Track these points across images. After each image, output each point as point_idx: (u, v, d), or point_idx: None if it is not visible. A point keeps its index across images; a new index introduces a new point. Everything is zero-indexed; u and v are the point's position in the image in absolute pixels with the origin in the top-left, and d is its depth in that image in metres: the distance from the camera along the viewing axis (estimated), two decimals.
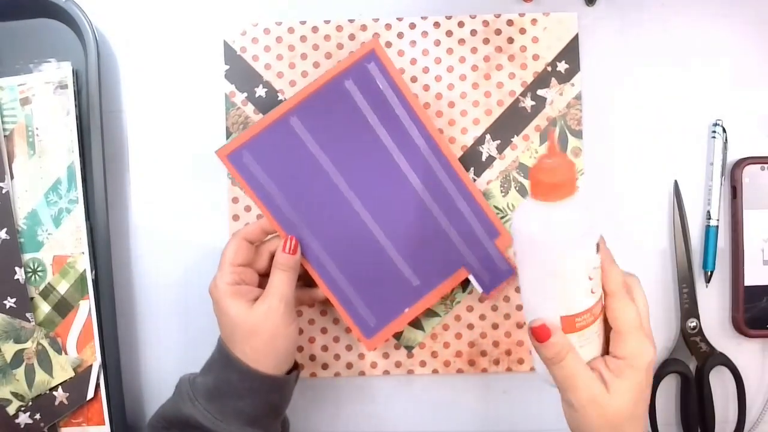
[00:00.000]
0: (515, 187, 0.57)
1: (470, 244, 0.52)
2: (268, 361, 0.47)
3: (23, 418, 0.55)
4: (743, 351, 0.58)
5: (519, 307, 0.57)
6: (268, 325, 0.46)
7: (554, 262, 0.37)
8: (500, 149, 0.57)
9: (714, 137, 0.57)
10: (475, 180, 0.57)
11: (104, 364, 0.55)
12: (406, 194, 0.51)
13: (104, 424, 0.55)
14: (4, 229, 0.54)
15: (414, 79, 0.57)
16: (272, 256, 0.50)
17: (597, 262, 0.39)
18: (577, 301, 0.38)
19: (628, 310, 0.40)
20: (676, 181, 0.58)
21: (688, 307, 0.57)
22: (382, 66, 0.49)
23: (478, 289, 0.53)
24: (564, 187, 0.36)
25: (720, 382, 0.58)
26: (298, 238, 0.50)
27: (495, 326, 0.57)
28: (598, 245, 0.38)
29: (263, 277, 0.50)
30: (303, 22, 0.58)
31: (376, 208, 0.51)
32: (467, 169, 0.57)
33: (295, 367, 0.51)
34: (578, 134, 0.57)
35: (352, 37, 0.57)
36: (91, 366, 0.55)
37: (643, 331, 0.40)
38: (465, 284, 0.57)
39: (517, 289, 0.57)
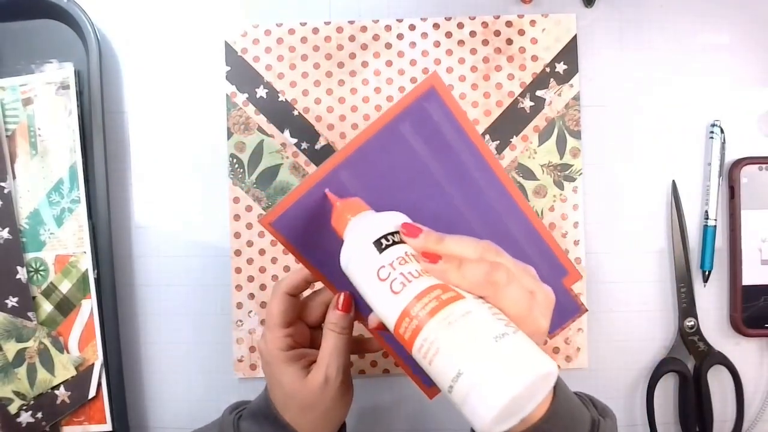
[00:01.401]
0: None
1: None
2: (319, 430, 0.43)
3: (25, 417, 0.55)
4: (741, 350, 0.58)
5: None
6: (325, 398, 0.42)
7: (359, 286, 0.36)
8: (499, 150, 0.58)
9: (712, 137, 0.58)
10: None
11: (106, 363, 0.55)
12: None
13: (106, 423, 0.56)
14: (7, 229, 0.55)
15: (414, 80, 0.58)
16: (324, 308, 0.45)
17: (387, 258, 0.34)
18: (382, 308, 0.34)
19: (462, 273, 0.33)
20: (674, 181, 0.58)
21: (686, 306, 0.58)
22: (442, 103, 0.43)
23: None
24: (338, 224, 0.38)
25: (718, 381, 0.58)
26: (351, 292, 0.44)
27: None
28: (381, 243, 0.35)
29: (315, 330, 0.46)
30: (303, 24, 0.58)
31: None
32: None
33: (342, 427, 0.47)
34: (577, 135, 0.58)
35: (352, 38, 0.58)
36: (92, 365, 0.55)
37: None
38: None
39: None
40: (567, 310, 0.48)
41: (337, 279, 0.44)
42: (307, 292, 0.46)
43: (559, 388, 0.37)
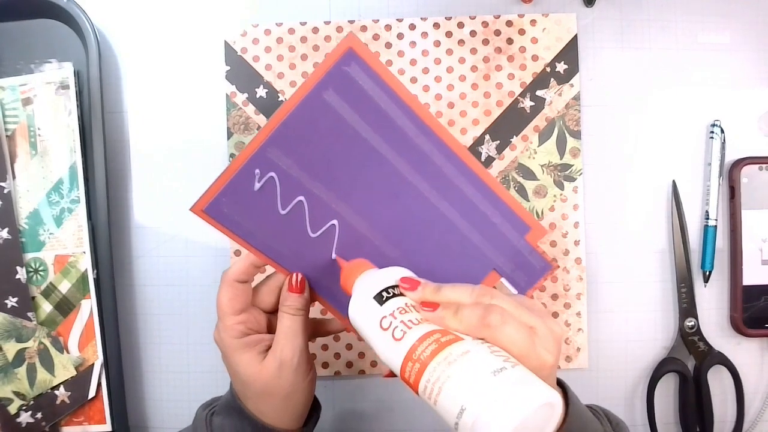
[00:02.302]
0: (514, 187, 0.58)
1: (498, 245, 0.46)
2: (285, 417, 0.43)
3: (25, 417, 0.55)
4: (741, 350, 0.58)
5: None
6: (282, 382, 0.42)
7: (367, 338, 0.38)
8: (499, 150, 0.58)
9: (712, 137, 0.58)
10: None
11: (106, 363, 0.55)
12: (416, 206, 0.45)
13: (105, 423, 0.56)
14: (6, 229, 0.55)
15: (414, 80, 0.58)
16: (279, 291, 0.44)
17: (388, 309, 0.36)
18: (387, 355, 0.36)
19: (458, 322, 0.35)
20: (674, 181, 0.58)
21: (687, 306, 0.58)
22: (364, 65, 0.41)
23: (513, 290, 0.48)
24: (346, 285, 0.41)
25: (718, 382, 0.58)
26: (303, 273, 0.44)
27: None
28: (382, 297, 0.37)
29: (272, 315, 0.45)
30: (303, 23, 0.58)
31: (384, 227, 0.45)
32: None
33: (315, 409, 0.47)
34: (577, 135, 0.58)
35: None
36: (92, 365, 0.55)
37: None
38: None
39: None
40: (536, 268, 0.47)
41: (286, 260, 0.44)
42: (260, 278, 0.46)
43: (572, 404, 0.36)
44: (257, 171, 0.42)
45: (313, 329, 0.47)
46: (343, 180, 0.43)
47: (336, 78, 0.41)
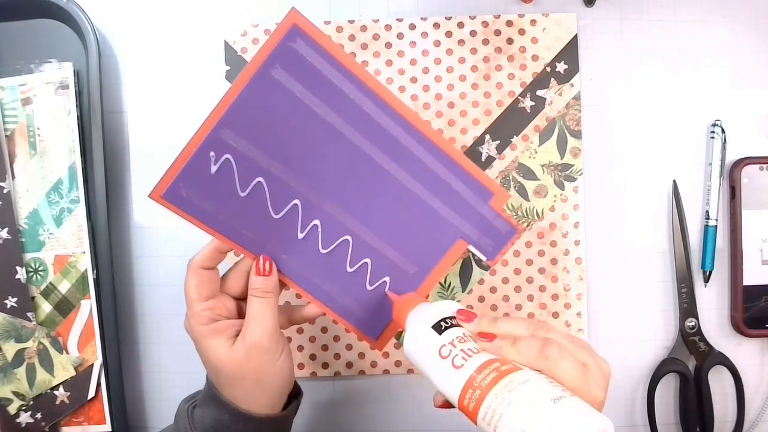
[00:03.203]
0: (515, 187, 0.58)
1: (463, 213, 0.46)
2: (260, 401, 0.42)
3: (24, 418, 0.55)
4: (742, 350, 0.58)
5: (518, 307, 0.58)
6: (253, 365, 0.41)
7: (423, 368, 0.39)
8: (500, 149, 0.58)
9: (713, 137, 0.58)
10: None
11: (105, 364, 0.55)
12: (377, 179, 0.44)
13: (105, 424, 0.56)
14: (6, 229, 0.55)
15: (414, 80, 0.58)
16: (247, 277, 0.44)
17: (447, 338, 0.37)
18: (445, 383, 0.37)
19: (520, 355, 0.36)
20: (674, 181, 0.58)
21: (687, 306, 0.57)
22: (309, 40, 0.40)
23: (482, 257, 0.47)
24: (399, 318, 0.43)
25: (719, 382, 0.58)
26: (270, 256, 0.44)
27: None
28: (440, 326, 0.38)
29: (243, 301, 0.45)
30: None
31: (347, 203, 0.45)
32: None
33: (296, 394, 0.46)
34: (577, 134, 0.58)
35: (352, 38, 0.58)
36: (92, 365, 0.55)
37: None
38: (464, 284, 0.57)
39: (516, 272, 0.58)
40: (502, 233, 0.47)
41: (252, 243, 0.44)
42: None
43: None
44: (212, 153, 0.41)
45: (288, 316, 0.47)
46: (300, 158, 0.43)
47: (282, 55, 0.40)
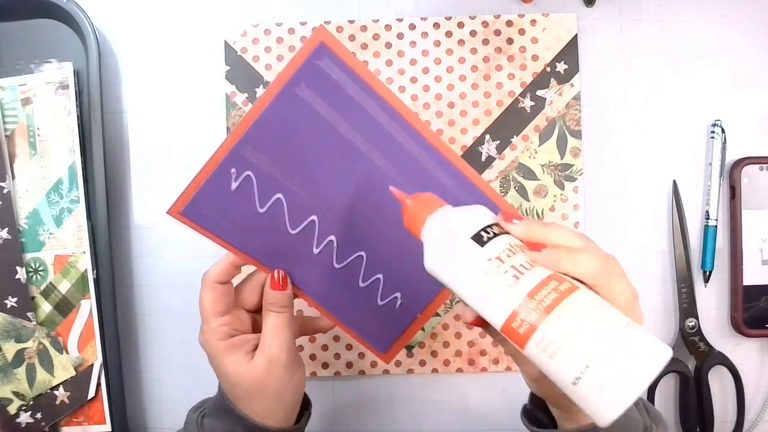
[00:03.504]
0: (515, 187, 0.58)
1: None
2: (276, 415, 0.42)
3: (24, 418, 0.55)
4: (742, 350, 0.58)
5: None
6: (272, 380, 0.41)
7: (455, 284, 0.34)
8: (500, 149, 0.58)
9: (713, 137, 0.58)
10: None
11: (105, 364, 0.55)
12: (393, 198, 0.43)
13: (105, 424, 0.56)
14: (6, 229, 0.55)
15: (414, 80, 0.58)
16: (261, 290, 0.44)
17: (492, 251, 0.33)
18: (489, 303, 0.33)
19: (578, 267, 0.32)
20: (674, 181, 0.58)
21: (687, 306, 0.57)
22: (336, 58, 0.40)
23: None
24: (413, 224, 0.37)
25: (719, 382, 0.58)
26: (285, 269, 0.44)
27: None
28: (482, 237, 0.33)
29: (257, 314, 0.45)
30: (303, 23, 0.58)
31: (364, 219, 0.45)
32: None
33: (306, 406, 0.46)
34: (577, 134, 0.58)
35: (352, 37, 0.58)
36: (92, 365, 0.55)
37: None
38: None
39: None
40: None
41: (267, 258, 0.44)
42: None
43: None
44: (233, 170, 0.41)
45: (300, 327, 0.47)
46: (320, 175, 0.43)
47: (308, 73, 0.40)
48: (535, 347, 0.30)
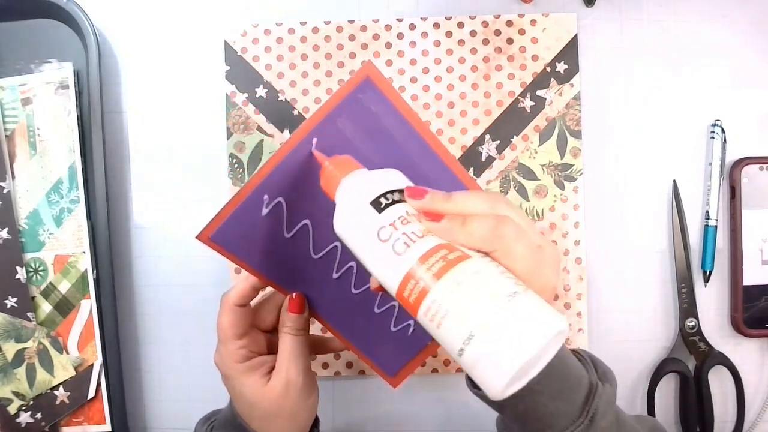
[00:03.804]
0: (515, 187, 0.58)
1: None
2: None
3: (24, 418, 0.55)
4: (742, 350, 0.58)
5: None
6: (288, 402, 0.41)
7: (356, 249, 0.34)
8: (500, 149, 0.58)
9: (713, 137, 0.58)
10: (475, 180, 0.57)
11: (105, 364, 0.55)
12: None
13: (105, 424, 0.56)
14: (6, 229, 0.55)
15: (414, 80, 0.58)
16: (277, 311, 0.44)
17: (387, 218, 0.33)
18: (382, 270, 0.32)
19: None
20: (674, 181, 0.58)
21: (687, 306, 0.57)
22: (379, 93, 0.40)
23: None
24: (328, 186, 0.37)
25: (719, 382, 0.58)
26: (303, 292, 0.44)
27: None
28: (380, 203, 0.33)
29: (272, 333, 0.45)
30: (303, 23, 0.58)
31: None
32: (467, 170, 0.58)
33: (315, 423, 0.47)
34: (577, 134, 0.58)
35: (352, 37, 0.58)
36: (92, 365, 0.55)
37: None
38: None
39: None
40: None
41: (286, 280, 0.44)
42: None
43: None
44: (266, 197, 0.41)
45: (312, 347, 0.47)
46: None
47: (351, 105, 0.40)
48: (423, 316, 0.30)
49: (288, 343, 0.42)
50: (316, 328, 0.49)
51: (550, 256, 0.32)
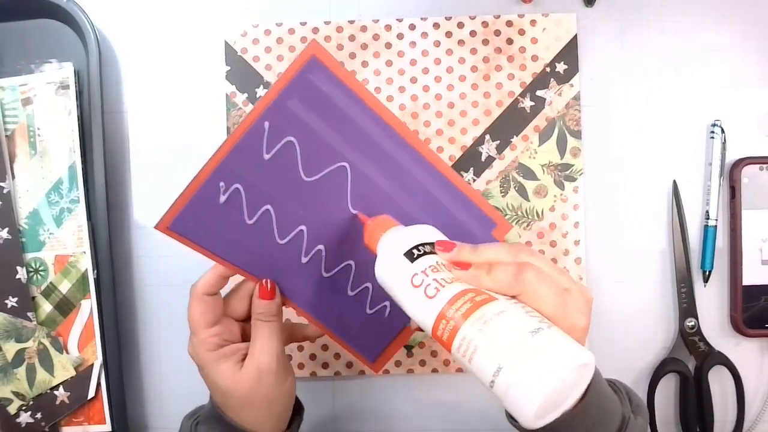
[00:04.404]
0: (515, 187, 0.58)
1: (466, 242, 0.46)
2: (267, 423, 0.43)
3: (24, 418, 0.55)
4: (742, 350, 0.58)
5: None
6: (262, 388, 0.41)
7: (395, 294, 0.38)
8: (500, 149, 0.58)
9: (713, 137, 0.58)
10: (474, 180, 0.58)
11: (105, 364, 0.55)
12: (384, 209, 0.44)
13: (105, 424, 0.56)
14: (6, 229, 0.55)
15: (414, 80, 0.58)
16: (249, 299, 0.44)
17: (419, 266, 0.36)
18: (418, 312, 0.36)
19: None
20: (674, 181, 0.58)
21: (687, 306, 0.57)
22: (328, 72, 0.40)
23: None
24: (371, 242, 0.41)
25: (719, 382, 0.58)
26: (273, 279, 0.44)
27: None
28: (413, 254, 0.37)
29: (246, 323, 0.45)
30: (303, 23, 0.58)
31: (353, 230, 0.45)
32: (467, 170, 0.58)
33: (297, 411, 0.47)
34: (577, 134, 0.58)
35: (352, 38, 0.58)
36: (92, 365, 0.55)
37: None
38: None
39: None
40: None
41: (256, 268, 0.44)
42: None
43: (593, 379, 0.35)
44: (222, 184, 0.41)
45: (288, 335, 0.47)
46: (309, 186, 0.43)
47: (300, 86, 0.41)
48: (456, 352, 0.33)
49: (260, 330, 0.42)
50: (295, 316, 0.49)
51: (577, 299, 0.35)
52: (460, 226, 0.46)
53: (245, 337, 0.45)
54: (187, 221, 0.42)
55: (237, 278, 0.45)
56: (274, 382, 0.42)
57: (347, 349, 0.48)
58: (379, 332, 0.48)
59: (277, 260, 0.44)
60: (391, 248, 0.38)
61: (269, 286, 0.43)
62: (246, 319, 0.45)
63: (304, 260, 0.45)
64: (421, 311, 0.35)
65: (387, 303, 0.47)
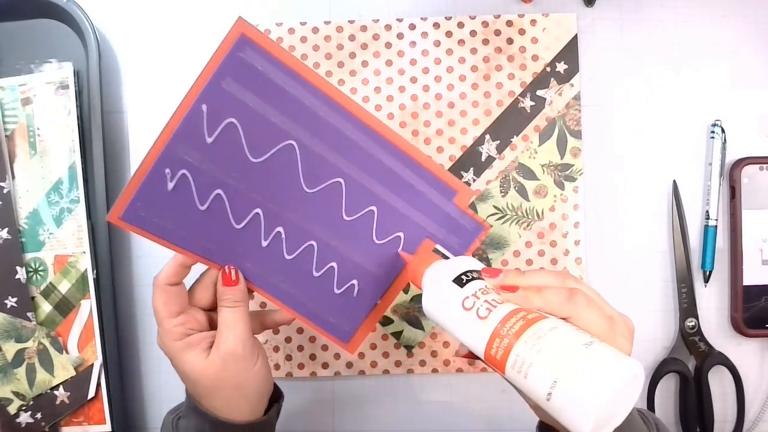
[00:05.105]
0: (515, 187, 0.58)
1: (427, 212, 0.46)
2: (240, 409, 0.43)
3: (24, 418, 0.55)
4: (742, 350, 0.58)
5: None
6: (230, 374, 0.41)
7: (444, 322, 0.39)
8: (500, 149, 0.58)
9: (713, 137, 0.58)
10: (474, 180, 0.58)
11: (105, 364, 0.55)
12: (338, 185, 0.44)
13: (105, 424, 0.56)
14: (6, 229, 0.55)
15: (414, 80, 0.58)
16: (214, 287, 0.44)
17: (469, 290, 0.37)
18: (470, 335, 0.37)
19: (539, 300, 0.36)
20: (674, 181, 0.58)
21: (687, 306, 0.57)
22: (259, 49, 0.40)
23: (449, 255, 0.45)
24: (415, 277, 0.43)
25: (719, 382, 0.58)
26: (236, 265, 0.44)
27: None
28: (462, 279, 0.38)
29: (213, 312, 0.45)
30: (303, 23, 0.58)
31: (309, 208, 0.44)
32: (467, 170, 0.58)
33: (276, 398, 0.47)
34: (577, 134, 0.58)
35: (352, 37, 0.58)
36: (92, 365, 0.55)
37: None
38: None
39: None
40: (469, 230, 0.47)
41: (216, 255, 0.43)
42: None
43: None
44: (167, 171, 0.41)
45: (260, 321, 0.47)
46: (258, 167, 0.42)
47: (232, 66, 0.40)
48: (511, 370, 0.33)
49: (225, 316, 0.42)
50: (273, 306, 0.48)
51: (621, 327, 0.36)
52: (420, 196, 0.45)
53: (213, 326, 0.44)
54: (138, 211, 0.41)
55: (202, 267, 0.44)
56: (242, 367, 0.42)
57: (319, 331, 0.47)
58: (350, 312, 0.47)
59: (237, 246, 0.44)
60: (438, 278, 0.39)
61: (232, 273, 0.43)
62: (213, 309, 0.45)
63: (264, 244, 0.44)
64: (474, 333, 0.36)
65: (355, 281, 0.46)
